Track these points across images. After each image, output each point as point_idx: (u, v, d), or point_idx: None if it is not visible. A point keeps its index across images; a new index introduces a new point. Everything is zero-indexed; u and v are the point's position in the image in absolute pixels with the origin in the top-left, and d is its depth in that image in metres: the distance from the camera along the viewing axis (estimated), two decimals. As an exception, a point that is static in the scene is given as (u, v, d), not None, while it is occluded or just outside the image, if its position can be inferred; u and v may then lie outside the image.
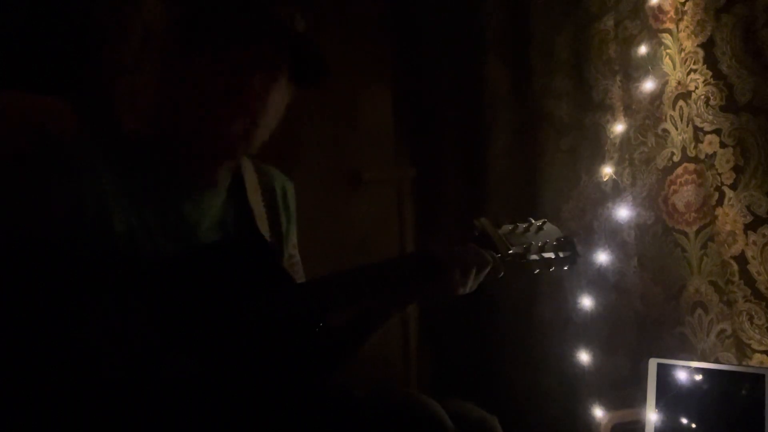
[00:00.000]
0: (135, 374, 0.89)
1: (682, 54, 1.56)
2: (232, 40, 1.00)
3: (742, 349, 1.46)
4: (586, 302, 1.81)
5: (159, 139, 1.06)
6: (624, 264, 1.77)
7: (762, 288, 1.41)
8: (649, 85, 1.68)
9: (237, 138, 1.03)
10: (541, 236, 1.21)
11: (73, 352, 0.88)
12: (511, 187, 2.11)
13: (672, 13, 1.60)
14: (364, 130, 2.22)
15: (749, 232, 1.43)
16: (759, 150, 1.42)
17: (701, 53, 1.50)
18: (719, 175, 1.48)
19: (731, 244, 1.46)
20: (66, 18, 1.52)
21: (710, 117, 1.49)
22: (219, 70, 1.00)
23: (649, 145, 1.71)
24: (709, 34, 1.49)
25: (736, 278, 1.45)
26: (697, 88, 1.52)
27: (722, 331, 1.52)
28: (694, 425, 1.38)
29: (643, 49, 1.70)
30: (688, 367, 1.41)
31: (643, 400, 1.45)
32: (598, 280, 1.80)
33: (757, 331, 1.42)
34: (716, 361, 1.50)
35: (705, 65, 1.50)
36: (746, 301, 1.44)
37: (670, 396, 1.41)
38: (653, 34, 1.67)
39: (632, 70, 1.74)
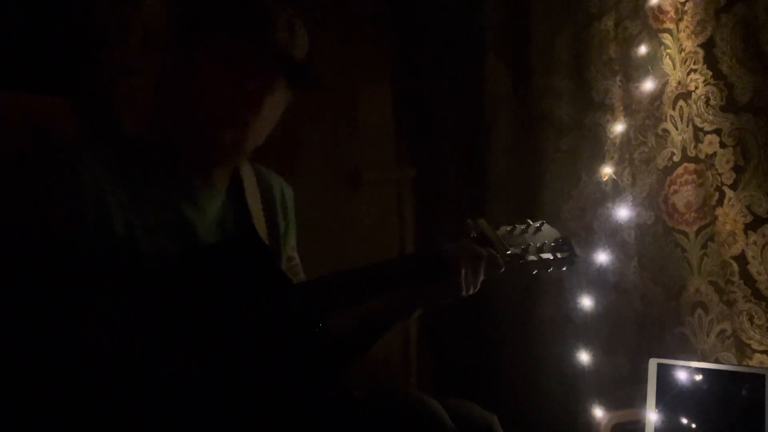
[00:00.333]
0: (135, 375, 0.89)
1: (682, 54, 1.56)
2: (229, 46, 1.00)
3: (742, 349, 1.46)
4: (586, 302, 1.81)
5: (158, 139, 1.06)
6: (624, 264, 1.77)
7: (762, 288, 1.41)
8: (649, 85, 1.68)
9: (230, 142, 1.04)
10: (539, 237, 1.21)
11: (73, 353, 0.88)
12: (511, 187, 2.11)
13: (672, 13, 1.60)
14: (364, 130, 2.22)
15: (749, 232, 1.43)
16: (759, 150, 1.42)
17: (701, 53, 1.50)
18: (719, 175, 1.48)
19: (731, 244, 1.46)
20: (66, 18, 1.52)
21: (710, 117, 1.49)
22: (215, 74, 1.00)
23: (649, 145, 1.71)
24: (709, 34, 1.49)
25: (736, 278, 1.45)
26: (697, 88, 1.52)
27: (722, 331, 1.52)
28: (694, 425, 1.38)
29: (643, 49, 1.70)
30: (688, 367, 1.41)
31: (643, 400, 1.45)
32: (598, 280, 1.80)
33: (757, 331, 1.42)
34: (716, 361, 1.50)
35: (705, 65, 1.50)
36: (746, 301, 1.44)
37: (670, 396, 1.41)
38: (653, 34, 1.67)
39: (632, 70, 1.74)
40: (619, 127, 1.77)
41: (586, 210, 1.87)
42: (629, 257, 1.76)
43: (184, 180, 1.07)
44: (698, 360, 1.52)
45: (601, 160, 1.82)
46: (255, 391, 0.98)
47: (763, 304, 1.41)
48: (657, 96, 1.67)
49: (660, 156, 1.68)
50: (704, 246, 1.56)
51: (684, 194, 1.61)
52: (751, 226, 1.43)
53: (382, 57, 2.30)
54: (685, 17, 1.54)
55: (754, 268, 1.43)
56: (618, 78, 1.78)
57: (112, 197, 0.99)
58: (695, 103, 1.52)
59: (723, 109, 1.47)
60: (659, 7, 1.64)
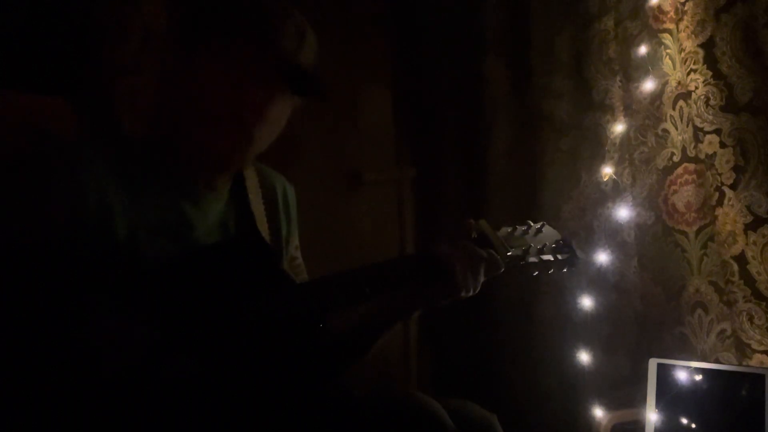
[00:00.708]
0: (136, 375, 0.89)
1: (682, 54, 1.56)
2: (230, 49, 1.00)
3: (742, 349, 1.46)
4: (586, 302, 1.81)
5: (158, 140, 1.06)
6: (624, 264, 1.77)
7: (762, 288, 1.41)
8: (649, 85, 1.68)
9: (230, 150, 1.03)
10: (539, 239, 1.21)
11: (74, 353, 0.88)
12: (511, 187, 2.11)
13: (672, 13, 1.60)
14: (364, 130, 2.22)
15: (749, 232, 1.43)
16: (759, 150, 1.42)
17: (701, 53, 1.50)
18: (719, 175, 1.48)
19: (731, 244, 1.46)
20: (66, 18, 1.52)
21: (710, 117, 1.49)
22: (215, 76, 1.00)
23: (649, 145, 1.71)
24: (709, 34, 1.49)
25: (736, 278, 1.45)
26: (697, 88, 1.52)
27: (722, 331, 1.52)
28: (694, 425, 1.38)
29: (643, 49, 1.70)
30: (688, 367, 1.41)
31: (643, 400, 1.45)
32: (598, 280, 1.80)
33: (757, 331, 1.42)
34: (716, 361, 1.50)
35: (705, 65, 1.50)
36: (746, 301, 1.44)
37: (670, 396, 1.41)
38: (653, 34, 1.67)
39: (632, 70, 1.74)
40: (619, 127, 1.77)
41: (586, 210, 1.87)
42: (629, 257, 1.76)
43: (185, 180, 1.07)
44: (698, 360, 1.52)
45: (601, 160, 1.82)
46: (255, 392, 0.98)
47: (763, 304, 1.41)
48: (657, 96, 1.67)
49: (660, 156, 1.68)
50: (704, 246, 1.56)
51: (684, 194, 1.61)
52: (751, 226, 1.43)
53: (382, 57, 2.30)
54: (685, 17, 1.54)
55: (754, 268, 1.43)
56: (618, 78, 1.78)
57: (113, 197, 0.99)
58: (695, 103, 1.52)
59: (723, 109, 1.47)
60: (659, 7, 1.64)
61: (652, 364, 1.45)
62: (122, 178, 1.01)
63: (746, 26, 1.43)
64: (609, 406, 1.70)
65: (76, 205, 0.96)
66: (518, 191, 2.08)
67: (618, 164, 1.78)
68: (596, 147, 1.84)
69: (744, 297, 1.44)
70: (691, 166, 1.59)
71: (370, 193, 2.23)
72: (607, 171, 1.79)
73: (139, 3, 1.06)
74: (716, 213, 1.49)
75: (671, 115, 1.63)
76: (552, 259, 1.20)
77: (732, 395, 1.35)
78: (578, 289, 1.82)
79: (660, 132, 1.68)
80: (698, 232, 1.58)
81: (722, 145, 1.47)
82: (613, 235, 1.79)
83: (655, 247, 1.69)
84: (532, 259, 1.18)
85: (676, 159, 1.63)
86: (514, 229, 1.20)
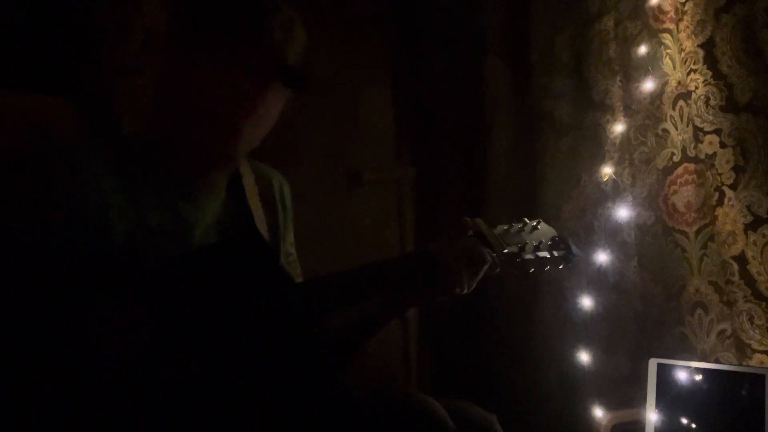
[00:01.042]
0: (135, 375, 0.89)
1: (682, 54, 1.56)
2: (224, 46, 1.00)
3: (742, 349, 1.46)
4: (586, 302, 1.81)
5: (158, 139, 1.06)
6: (624, 264, 1.77)
7: (762, 288, 1.41)
8: (649, 85, 1.68)
9: (223, 144, 1.03)
10: (536, 236, 1.21)
11: (74, 353, 0.88)
12: (511, 187, 2.11)
13: (672, 13, 1.60)
14: (364, 130, 2.23)
15: (749, 232, 1.43)
16: (759, 150, 1.42)
17: (701, 53, 1.50)
18: (719, 175, 1.48)
19: (731, 244, 1.46)
20: (66, 18, 1.52)
21: (710, 117, 1.49)
22: (209, 74, 1.00)
23: (649, 145, 1.71)
24: (709, 34, 1.49)
25: (736, 278, 1.45)
26: (697, 88, 1.52)
27: (722, 331, 1.52)
28: (694, 425, 1.38)
29: (643, 49, 1.70)
30: (688, 367, 1.41)
31: (643, 400, 1.45)
32: (598, 280, 1.80)
33: (757, 331, 1.42)
34: (716, 361, 1.50)
35: (705, 65, 1.50)
36: (746, 301, 1.44)
37: (670, 396, 1.41)
38: (653, 34, 1.67)
39: (632, 70, 1.74)
40: (619, 127, 1.77)
41: (586, 210, 1.87)
42: (629, 257, 1.76)
43: (184, 180, 1.07)
44: (698, 360, 1.52)
45: (601, 160, 1.82)
46: (255, 391, 0.98)
47: (763, 304, 1.41)
48: (657, 96, 1.67)
49: (660, 156, 1.68)
50: (704, 246, 1.56)
51: (684, 194, 1.61)
52: (751, 226, 1.43)
53: (382, 57, 2.30)
54: (685, 17, 1.54)
55: (754, 268, 1.42)
56: (618, 78, 1.78)
57: (112, 197, 0.99)
58: (695, 103, 1.52)
59: (723, 109, 1.47)
60: (659, 7, 1.64)
61: (652, 364, 1.45)
62: (122, 178, 1.02)
63: (746, 26, 1.43)
64: (609, 406, 1.70)
65: (75, 205, 0.96)
66: (518, 191, 2.08)
67: (618, 164, 1.78)
68: (596, 147, 1.84)
69: (744, 297, 1.44)
70: (691, 166, 1.59)
71: (370, 193, 2.23)
72: (607, 171, 1.79)
73: (139, 3, 1.06)
74: (716, 213, 1.49)
75: (671, 115, 1.63)
76: (548, 256, 1.20)
77: (732, 395, 1.35)
78: (578, 289, 1.83)
79: (660, 132, 1.68)
80: (698, 232, 1.58)
81: (722, 145, 1.47)
82: (613, 235, 1.79)
83: (655, 247, 1.69)
84: (529, 256, 1.19)
85: (676, 159, 1.63)
86: (510, 226, 1.20)
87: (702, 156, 1.52)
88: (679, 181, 1.63)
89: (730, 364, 1.45)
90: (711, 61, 1.49)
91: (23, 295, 0.90)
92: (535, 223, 1.22)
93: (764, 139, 1.41)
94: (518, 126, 2.10)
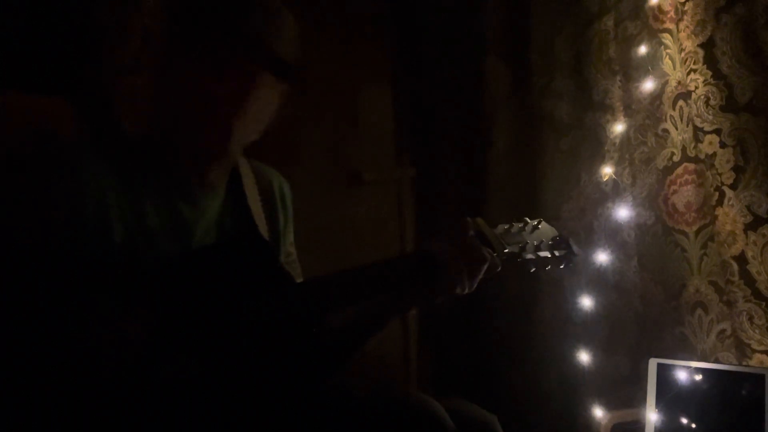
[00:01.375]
0: (135, 375, 0.89)
1: (682, 54, 1.56)
2: (208, 43, 1.00)
3: (742, 349, 1.46)
4: (586, 302, 1.81)
5: (157, 139, 1.06)
6: (624, 264, 1.77)
7: (762, 288, 1.41)
8: (649, 85, 1.68)
9: (213, 140, 1.03)
10: (536, 235, 1.21)
11: (74, 353, 0.88)
12: (511, 187, 2.11)
13: (672, 13, 1.60)
14: (364, 130, 2.23)
15: (749, 232, 1.43)
16: (759, 150, 1.42)
17: (701, 53, 1.50)
18: (719, 175, 1.48)
19: (731, 244, 1.46)
20: (66, 18, 1.52)
21: (710, 117, 1.49)
22: (198, 70, 0.99)
23: (649, 145, 1.71)
24: (709, 34, 1.49)
25: (736, 278, 1.45)
26: (697, 88, 1.52)
27: (722, 331, 1.52)
28: (694, 425, 1.38)
29: (643, 49, 1.70)
30: (688, 367, 1.41)
31: (643, 400, 1.45)
32: (598, 280, 1.80)
33: (757, 331, 1.42)
34: (716, 361, 1.50)
35: (705, 65, 1.50)
36: (746, 301, 1.44)
37: (670, 396, 1.41)
38: (653, 34, 1.67)
39: (632, 70, 1.74)
40: (619, 127, 1.77)
41: (586, 210, 1.87)
42: (629, 257, 1.76)
43: (183, 180, 1.07)
44: (698, 360, 1.52)
45: (601, 160, 1.82)
46: (255, 391, 0.98)
47: (763, 304, 1.41)
48: (657, 96, 1.67)
49: (660, 156, 1.68)
50: (704, 246, 1.56)
51: (684, 194, 1.61)
52: (751, 226, 1.43)
53: (382, 57, 2.30)
54: (685, 17, 1.54)
55: (754, 268, 1.43)
56: (618, 78, 1.78)
57: (112, 198, 1.00)
58: (695, 103, 1.52)
59: (723, 109, 1.47)
60: (659, 7, 1.64)
61: (652, 364, 1.45)
62: (121, 178, 1.02)
63: (746, 26, 1.43)
64: (609, 406, 1.70)
65: (75, 205, 0.96)
66: (518, 191, 2.08)
67: (618, 164, 1.78)
68: (596, 147, 1.84)
69: (744, 297, 1.44)
70: (691, 166, 1.59)
71: (370, 192, 2.23)
72: (607, 171, 1.80)
73: (139, 3, 1.06)
74: (716, 213, 1.49)
75: (671, 115, 1.63)
76: (549, 255, 1.20)
77: (732, 395, 1.35)
78: (578, 289, 1.83)
79: (660, 132, 1.68)
80: (698, 232, 1.58)
81: (722, 145, 1.47)
82: (613, 235, 1.79)
83: (655, 247, 1.69)
84: (529, 256, 1.18)
85: (676, 159, 1.63)
86: (511, 226, 1.20)
87: (702, 156, 1.52)
88: (679, 181, 1.63)
89: (730, 364, 1.45)
90: (711, 61, 1.49)
91: (23, 295, 0.90)
92: (536, 223, 1.22)
93: (764, 139, 1.41)
94: (518, 126, 2.10)
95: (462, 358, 2.20)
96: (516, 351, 2.06)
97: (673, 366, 1.43)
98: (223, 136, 1.03)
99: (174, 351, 0.92)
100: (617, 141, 1.78)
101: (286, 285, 1.06)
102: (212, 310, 0.96)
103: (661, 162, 1.68)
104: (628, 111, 1.76)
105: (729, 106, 1.46)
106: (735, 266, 1.46)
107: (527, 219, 1.22)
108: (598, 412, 1.71)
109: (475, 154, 2.21)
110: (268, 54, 1.02)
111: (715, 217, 1.50)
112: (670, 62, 1.63)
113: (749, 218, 1.43)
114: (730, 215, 1.46)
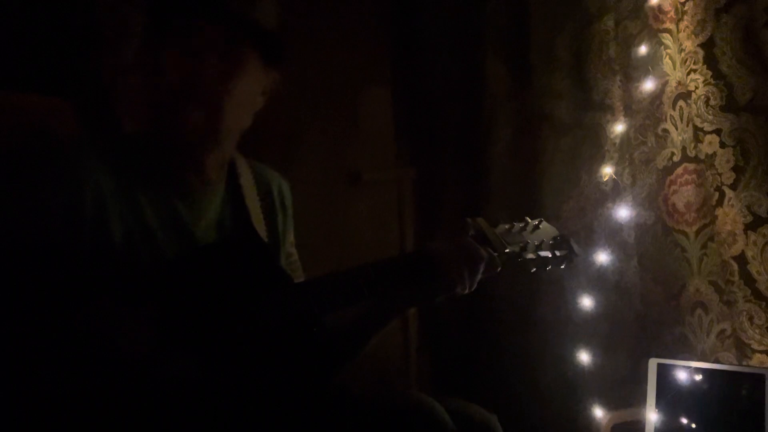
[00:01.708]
0: (135, 375, 0.89)
1: (682, 54, 1.56)
2: (192, 23, 0.99)
3: (742, 349, 1.46)
4: (586, 302, 1.81)
5: (155, 137, 1.06)
6: (624, 264, 1.77)
7: (762, 288, 1.41)
8: (649, 85, 1.68)
9: (201, 124, 1.02)
10: (537, 235, 1.21)
11: (73, 354, 0.88)
12: (511, 187, 2.11)
13: (672, 13, 1.60)
14: (364, 130, 2.22)
15: (749, 232, 1.43)
16: (759, 150, 1.42)
17: (701, 53, 1.50)
18: (719, 175, 1.48)
19: (731, 244, 1.46)
20: (66, 18, 1.52)
21: (710, 117, 1.49)
22: (182, 54, 0.99)
23: (649, 145, 1.71)
24: (709, 34, 1.49)
25: (736, 278, 1.45)
26: (697, 88, 1.52)
27: (722, 331, 1.52)
28: (694, 425, 1.38)
29: (643, 49, 1.70)
30: (688, 367, 1.41)
31: (643, 400, 1.45)
32: (598, 280, 1.80)
33: (757, 331, 1.42)
34: (716, 361, 1.50)
35: (705, 65, 1.50)
36: (746, 301, 1.44)
37: (670, 396, 1.41)
38: (653, 34, 1.67)
39: (632, 70, 1.74)
40: (619, 127, 1.77)
41: (586, 210, 1.87)
42: (629, 257, 1.76)
43: (181, 180, 1.07)
44: (698, 360, 1.52)
45: (601, 160, 1.82)
46: (255, 391, 0.98)
47: (763, 304, 1.41)
48: (657, 96, 1.67)
49: (660, 156, 1.68)
50: (704, 246, 1.56)
51: (684, 194, 1.61)
52: (751, 226, 1.43)
53: (382, 57, 2.30)
54: (685, 17, 1.54)
55: (754, 268, 1.42)
56: (618, 78, 1.78)
57: (111, 197, 1.00)
58: (695, 103, 1.52)
59: (723, 109, 1.47)
60: (659, 7, 1.64)
61: (652, 364, 1.45)
62: (120, 178, 1.02)
63: (746, 26, 1.43)
64: (609, 406, 1.70)
65: (74, 204, 0.96)
66: (518, 191, 2.08)
67: (618, 164, 1.78)
68: (596, 147, 1.84)
69: (744, 297, 1.44)
70: (691, 166, 1.59)
71: (370, 192, 2.23)
72: (607, 171, 1.79)
73: (139, 3, 1.06)
74: (716, 213, 1.49)
75: (671, 115, 1.63)
76: (549, 255, 1.20)
77: (732, 395, 1.35)
78: (578, 289, 1.83)
79: (660, 132, 1.68)
80: (698, 232, 1.58)
81: (722, 145, 1.47)
82: (613, 235, 1.78)
83: (655, 247, 1.69)
84: (530, 256, 1.18)
85: (676, 159, 1.63)
86: (512, 225, 1.20)
87: (702, 156, 1.52)
88: (679, 181, 1.63)
89: (730, 364, 1.45)
90: (711, 61, 1.49)
91: (23, 295, 0.90)
92: (536, 223, 1.22)
93: (764, 139, 1.41)
94: (518, 126, 2.10)
95: (462, 358, 2.20)
96: (516, 351, 2.06)
97: (673, 366, 1.43)
98: (214, 116, 1.02)
99: (174, 351, 0.92)
100: (617, 141, 1.78)
101: (286, 285, 1.06)
102: (212, 309, 0.96)
103: (661, 162, 1.68)
104: (628, 111, 1.76)
105: (729, 106, 1.46)
106: (735, 266, 1.46)
107: (528, 219, 1.22)
108: (598, 412, 1.71)
109: (475, 154, 2.21)
110: (248, 27, 1.02)
111: (715, 217, 1.50)
112: (670, 62, 1.63)
113: (749, 218, 1.43)
114: (730, 215, 1.46)
